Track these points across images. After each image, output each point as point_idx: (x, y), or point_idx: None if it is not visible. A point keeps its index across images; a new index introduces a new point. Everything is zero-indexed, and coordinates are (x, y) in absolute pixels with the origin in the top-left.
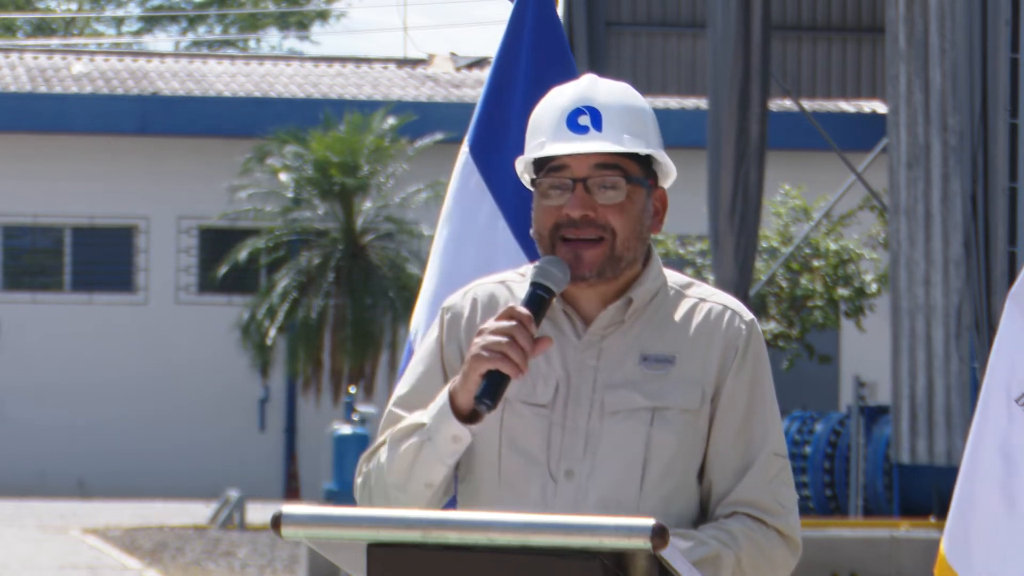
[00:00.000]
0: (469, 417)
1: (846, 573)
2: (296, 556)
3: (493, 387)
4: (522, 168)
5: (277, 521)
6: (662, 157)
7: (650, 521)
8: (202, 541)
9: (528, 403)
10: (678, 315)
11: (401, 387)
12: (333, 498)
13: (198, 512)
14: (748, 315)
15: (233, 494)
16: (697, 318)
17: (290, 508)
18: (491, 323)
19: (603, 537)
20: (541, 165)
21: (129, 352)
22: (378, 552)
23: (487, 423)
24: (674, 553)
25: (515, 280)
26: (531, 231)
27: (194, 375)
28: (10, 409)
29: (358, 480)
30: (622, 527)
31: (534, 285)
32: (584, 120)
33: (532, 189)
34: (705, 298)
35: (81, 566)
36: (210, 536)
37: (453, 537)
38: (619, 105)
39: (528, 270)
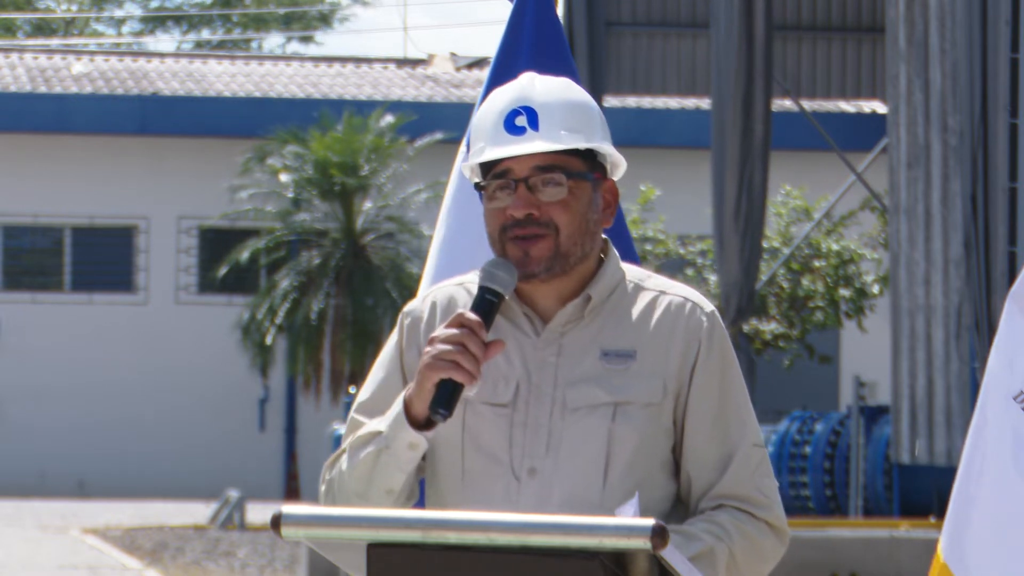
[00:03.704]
0: (425, 424)
1: (846, 573)
2: (296, 556)
3: (447, 396)
4: (470, 173)
5: (277, 521)
6: (607, 149)
7: (650, 521)
8: (202, 541)
9: (489, 403)
10: (638, 309)
11: (363, 393)
12: None
13: (198, 512)
14: (709, 306)
15: (233, 494)
16: (657, 311)
17: (290, 508)
18: (441, 331)
19: (603, 537)
20: (487, 170)
21: (129, 352)
22: (378, 552)
23: (450, 425)
24: (674, 553)
25: (474, 282)
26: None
27: (194, 375)
28: (10, 409)
29: (322, 488)
30: (622, 527)
31: (482, 289)
32: (521, 121)
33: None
34: (665, 291)
35: (81, 566)
36: (210, 536)
37: (453, 537)
38: (557, 102)
39: None
